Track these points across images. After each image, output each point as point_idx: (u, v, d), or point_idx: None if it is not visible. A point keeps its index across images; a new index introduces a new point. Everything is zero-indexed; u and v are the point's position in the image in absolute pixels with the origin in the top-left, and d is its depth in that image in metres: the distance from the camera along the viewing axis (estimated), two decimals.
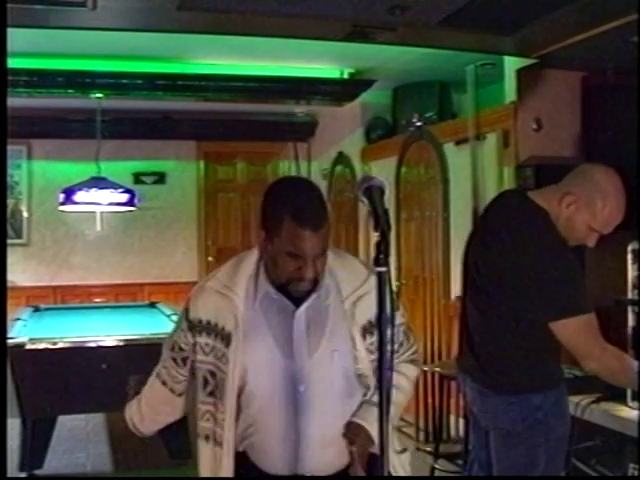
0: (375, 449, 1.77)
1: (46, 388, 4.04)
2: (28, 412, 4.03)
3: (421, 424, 5.33)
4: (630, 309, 2.96)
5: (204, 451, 1.97)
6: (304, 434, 1.89)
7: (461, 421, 4.83)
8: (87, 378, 4.09)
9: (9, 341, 4.03)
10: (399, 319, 2.01)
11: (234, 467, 1.95)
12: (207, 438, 1.95)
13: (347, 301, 1.94)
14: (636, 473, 2.86)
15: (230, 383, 1.89)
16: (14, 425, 4.02)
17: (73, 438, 5.15)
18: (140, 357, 4.05)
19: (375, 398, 1.82)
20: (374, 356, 1.89)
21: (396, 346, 1.94)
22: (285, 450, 1.90)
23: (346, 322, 1.93)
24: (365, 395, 1.97)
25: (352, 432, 1.90)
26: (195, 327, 1.95)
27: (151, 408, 2.14)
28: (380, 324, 1.58)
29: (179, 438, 4.23)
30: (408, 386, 2.08)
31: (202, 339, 1.94)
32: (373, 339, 1.92)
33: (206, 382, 1.95)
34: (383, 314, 1.57)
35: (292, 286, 1.88)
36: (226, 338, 1.90)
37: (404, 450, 2.07)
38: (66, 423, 4.98)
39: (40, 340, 4.17)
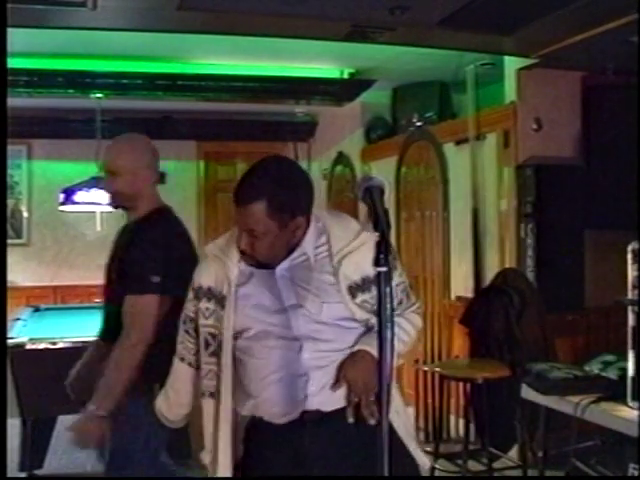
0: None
1: (46, 388, 4.02)
2: (28, 412, 4.02)
3: (421, 424, 5.33)
4: (630, 309, 2.96)
5: (207, 407, 2.05)
6: (305, 374, 1.93)
7: (461, 421, 4.84)
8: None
9: (9, 341, 4.03)
10: (396, 279, 2.04)
11: (245, 432, 2.02)
12: (211, 395, 2.03)
13: (335, 257, 1.98)
14: (636, 473, 2.87)
15: (226, 342, 1.98)
16: (14, 425, 4.01)
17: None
18: None
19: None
20: (369, 306, 1.96)
21: (395, 304, 1.95)
22: (289, 390, 1.94)
23: (334, 277, 1.97)
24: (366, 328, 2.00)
25: (353, 359, 1.93)
26: (198, 294, 2.05)
27: (176, 391, 2.21)
28: (380, 323, 1.57)
29: (179, 438, 4.22)
30: (411, 330, 2.11)
31: (203, 304, 2.03)
32: (365, 296, 1.97)
33: (207, 344, 2.04)
34: (383, 313, 1.57)
35: (243, 257, 1.98)
36: (222, 301, 1.99)
37: (407, 404, 2.11)
38: (66, 423, 4.97)
39: (40, 340, 4.16)
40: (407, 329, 2.08)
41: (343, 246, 1.98)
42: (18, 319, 4.98)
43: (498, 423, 4.31)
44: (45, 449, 4.27)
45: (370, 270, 1.90)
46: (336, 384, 1.92)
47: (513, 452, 4.38)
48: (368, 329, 2.00)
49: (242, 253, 1.97)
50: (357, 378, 1.90)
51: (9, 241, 7.02)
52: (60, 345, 4.13)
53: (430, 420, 5.22)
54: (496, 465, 4.29)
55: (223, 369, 1.99)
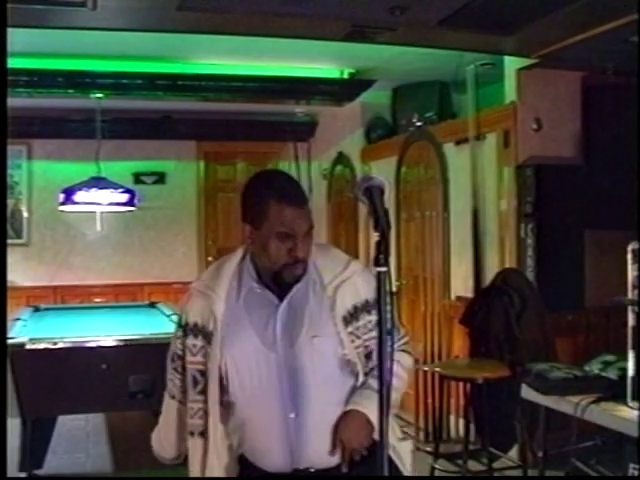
0: (376, 434, 1.79)
1: (46, 388, 4.03)
2: (28, 412, 4.02)
3: (421, 424, 5.33)
4: (630, 309, 2.96)
5: (195, 447, 2.01)
6: (296, 425, 1.91)
7: (461, 421, 4.83)
8: (87, 378, 4.08)
9: (9, 341, 4.03)
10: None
11: (238, 469, 1.99)
12: (200, 434, 2.00)
13: (329, 287, 1.98)
14: (636, 473, 2.87)
15: (213, 379, 1.95)
16: (14, 425, 4.01)
17: (73, 438, 5.14)
18: (140, 357, 4.07)
19: (370, 382, 1.90)
20: (359, 341, 1.96)
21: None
22: (280, 444, 1.92)
23: (328, 309, 1.96)
24: (356, 382, 1.98)
25: (345, 421, 1.91)
26: (186, 331, 2.03)
27: (167, 428, 2.17)
28: (380, 324, 1.57)
29: None
30: (403, 374, 2.08)
31: (190, 341, 2.01)
32: (359, 324, 1.97)
33: (195, 381, 2.01)
34: (383, 314, 1.57)
35: (287, 272, 1.92)
36: (208, 337, 1.97)
37: (405, 438, 2.09)
38: (66, 423, 4.97)
39: (40, 340, 4.16)
40: (397, 372, 1.94)
41: (334, 277, 1.98)
42: (18, 319, 4.98)
43: (498, 423, 4.31)
44: (45, 449, 4.27)
45: (362, 297, 1.96)
46: (333, 449, 1.91)
47: (513, 452, 4.38)
48: (356, 381, 1.97)
49: (294, 263, 1.91)
50: (351, 440, 1.90)
51: (9, 241, 7.01)
52: (60, 345, 4.13)
53: (430, 420, 5.22)
54: (496, 465, 4.29)
55: (211, 406, 1.96)
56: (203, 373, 1.98)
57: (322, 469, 1.93)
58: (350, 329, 1.96)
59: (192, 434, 2.02)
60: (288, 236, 1.89)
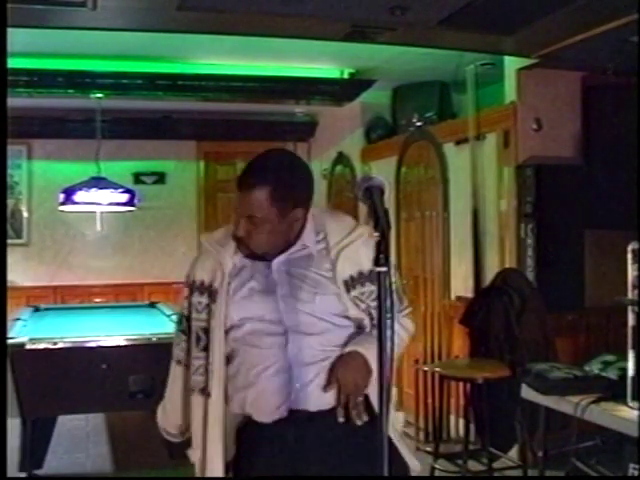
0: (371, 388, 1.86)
1: (46, 388, 4.03)
2: (28, 412, 4.02)
3: (421, 424, 5.32)
4: (630, 309, 2.96)
5: (197, 403, 2.04)
6: (295, 370, 1.93)
7: (461, 421, 4.83)
8: (87, 378, 4.08)
9: (9, 341, 4.02)
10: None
11: (235, 424, 2.02)
12: (201, 391, 2.03)
13: (333, 250, 2.01)
14: (636, 473, 2.87)
15: (216, 336, 1.99)
16: (14, 425, 4.01)
17: (73, 438, 5.14)
18: (140, 357, 4.08)
19: (375, 331, 1.85)
20: (364, 305, 1.98)
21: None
22: (280, 391, 1.94)
23: (330, 271, 1.99)
24: (357, 329, 2.01)
25: (343, 360, 1.93)
26: (192, 289, 2.07)
27: (172, 396, 2.18)
28: (380, 323, 1.58)
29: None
30: (404, 335, 2.12)
31: (196, 298, 2.06)
32: (363, 289, 1.99)
33: (199, 338, 2.05)
34: (383, 312, 1.57)
35: (240, 245, 2.00)
36: (214, 295, 2.01)
37: (398, 410, 2.12)
38: (66, 423, 4.97)
39: (40, 340, 4.16)
40: (400, 334, 2.06)
41: (339, 240, 2.01)
42: (18, 319, 4.98)
43: (498, 423, 4.31)
44: (45, 449, 4.27)
45: (365, 264, 1.96)
46: (328, 385, 1.92)
47: (513, 452, 4.38)
48: (359, 329, 2.00)
49: (239, 241, 1.99)
50: (348, 379, 1.91)
51: (9, 241, 7.01)
52: (60, 345, 4.13)
53: (430, 420, 5.22)
54: (496, 465, 4.30)
55: (214, 363, 1.99)
56: (207, 330, 2.02)
57: (317, 411, 1.94)
58: (354, 293, 1.98)
59: (193, 391, 2.05)
60: (235, 214, 1.96)
